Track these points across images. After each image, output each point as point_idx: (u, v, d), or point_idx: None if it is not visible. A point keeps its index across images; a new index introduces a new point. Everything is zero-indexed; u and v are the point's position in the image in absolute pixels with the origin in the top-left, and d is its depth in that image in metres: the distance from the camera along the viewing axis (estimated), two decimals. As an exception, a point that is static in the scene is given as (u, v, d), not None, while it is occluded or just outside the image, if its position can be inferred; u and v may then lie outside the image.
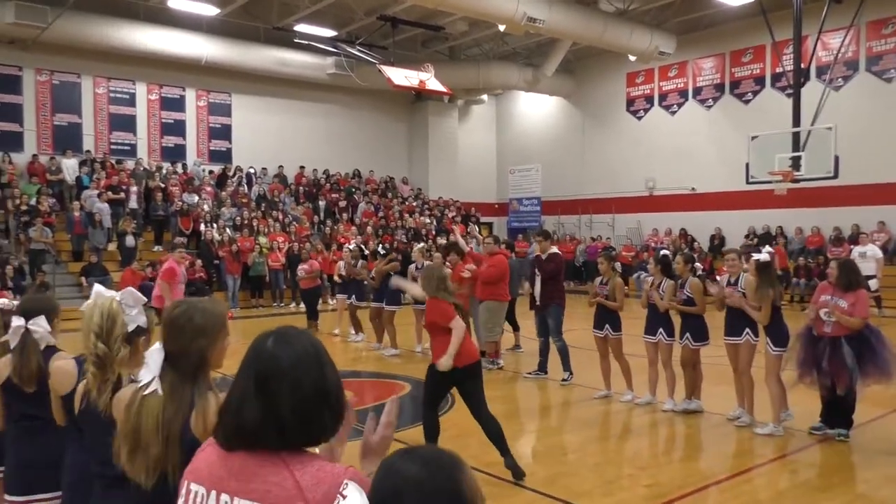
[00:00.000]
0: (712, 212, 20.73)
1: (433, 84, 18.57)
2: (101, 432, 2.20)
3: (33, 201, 16.64)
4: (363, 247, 12.26)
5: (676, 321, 7.16)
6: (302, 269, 13.26)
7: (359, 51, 19.64)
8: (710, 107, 21.59)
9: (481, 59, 23.67)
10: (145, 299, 2.54)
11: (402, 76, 17.95)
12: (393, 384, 8.70)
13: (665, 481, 5.22)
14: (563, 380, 8.47)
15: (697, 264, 7.20)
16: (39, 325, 2.86)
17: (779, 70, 18.88)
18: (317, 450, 1.56)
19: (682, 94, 22.28)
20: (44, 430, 2.82)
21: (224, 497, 1.47)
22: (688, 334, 6.91)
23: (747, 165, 15.81)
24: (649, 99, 23.16)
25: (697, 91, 21.88)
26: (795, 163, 14.91)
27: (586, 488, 5.09)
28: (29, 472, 2.92)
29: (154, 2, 17.78)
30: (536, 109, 26.50)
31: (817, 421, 6.24)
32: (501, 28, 18.34)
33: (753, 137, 16.02)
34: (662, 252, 7.94)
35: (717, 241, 20.37)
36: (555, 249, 8.99)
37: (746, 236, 19.77)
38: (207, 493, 1.49)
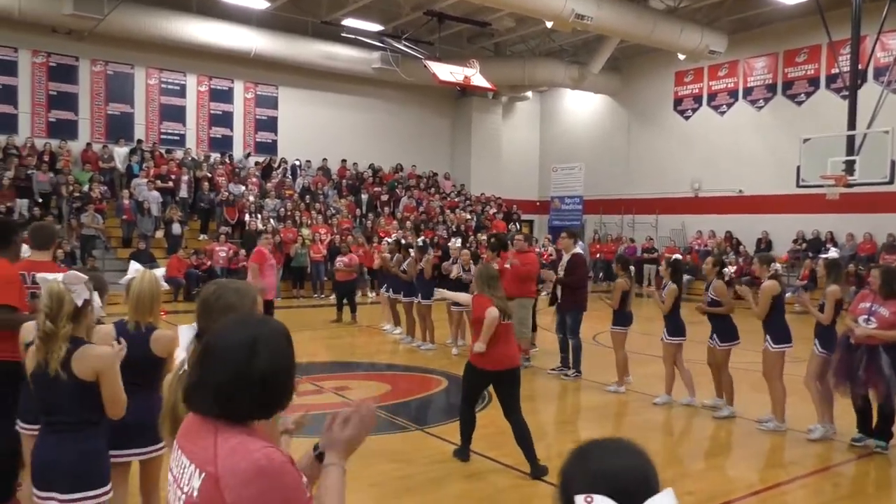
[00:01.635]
0: (760, 215, 20.26)
1: (478, 80, 18.55)
2: (47, 388, 2.84)
3: (86, 188, 17.13)
4: (402, 241, 12.24)
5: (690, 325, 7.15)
6: (341, 261, 13.30)
7: (405, 46, 19.69)
8: (760, 107, 21.09)
9: (527, 55, 23.52)
10: (86, 277, 2.92)
11: (447, 72, 17.97)
12: (429, 378, 8.73)
13: (706, 488, 5.12)
14: (566, 375, 8.75)
15: (728, 269, 7.33)
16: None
17: (834, 71, 18.34)
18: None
19: (732, 94, 21.80)
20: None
21: (178, 451, 1.64)
22: (714, 335, 7.00)
23: (798, 168, 15.40)
24: (698, 98, 22.72)
25: (748, 91, 21.39)
26: (849, 167, 14.44)
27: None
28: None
29: (206, -5, 18.11)
30: (581, 107, 26.24)
31: (856, 432, 6.09)
32: (548, 25, 18.18)
33: (805, 140, 15.59)
34: (675, 257, 8.11)
35: (764, 245, 19.91)
36: (578, 250, 9.10)
37: (795, 241, 19.30)
38: (177, 446, 1.66)
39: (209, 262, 16.76)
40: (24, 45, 18.16)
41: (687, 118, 23.01)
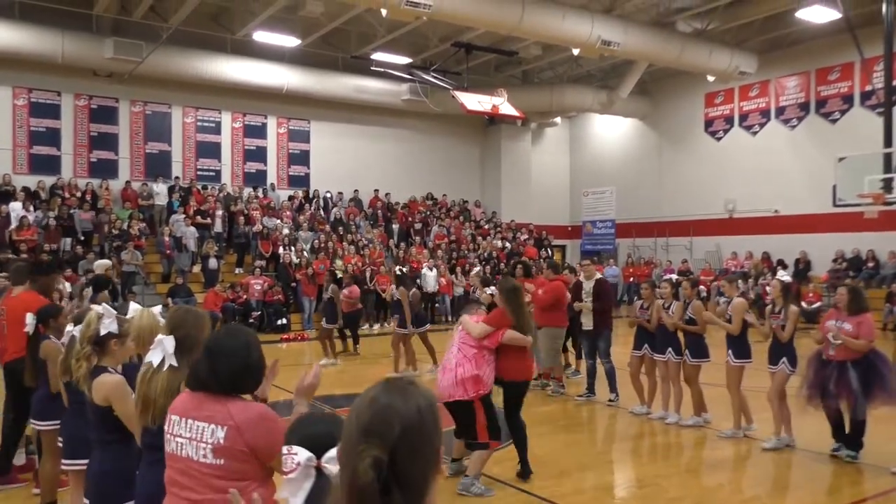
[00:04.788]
0: (797, 235, 19.90)
1: (506, 108, 18.64)
2: (85, 408, 3.34)
3: (125, 225, 17.56)
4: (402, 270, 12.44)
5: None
6: (343, 293, 12.77)
7: (433, 77, 19.94)
8: (794, 126, 20.83)
9: (555, 82, 23.63)
10: (114, 313, 3.42)
11: (475, 101, 18.10)
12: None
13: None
14: (610, 400, 8.72)
15: (701, 287, 7.92)
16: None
17: (868, 88, 18.09)
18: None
19: (764, 113, 21.59)
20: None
21: (187, 420, 2.34)
22: (687, 351, 7.51)
23: (834, 188, 15.15)
24: (729, 119, 22.55)
25: (780, 111, 21.17)
26: (887, 185, 14.17)
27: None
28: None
29: (240, 35, 18.61)
30: (611, 131, 26.21)
31: (833, 443, 6.38)
32: (575, 52, 18.30)
33: (841, 159, 15.36)
34: (675, 277, 8.58)
35: (803, 266, 19.54)
36: (600, 275, 9.25)
37: (835, 260, 18.91)
38: (179, 418, 2.37)
39: (245, 296, 16.96)
40: (66, 88, 18.83)
41: (718, 139, 22.83)
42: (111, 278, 11.06)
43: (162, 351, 2.79)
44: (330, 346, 12.45)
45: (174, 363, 2.78)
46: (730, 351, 7.01)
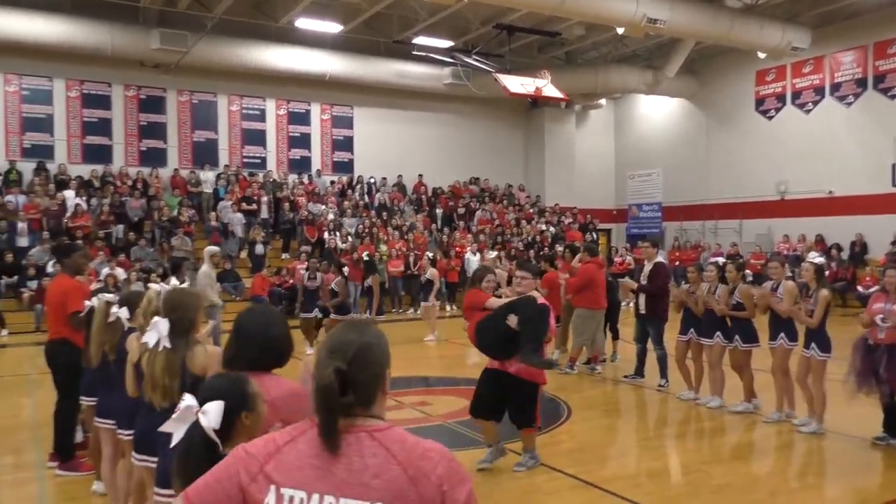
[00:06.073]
0: (853, 216, 19.21)
1: (549, 90, 18.43)
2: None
3: (175, 212, 17.98)
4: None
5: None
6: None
7: (475, 60, 19.79)
8: (850, 104, 20.05)
9: (599, 62, 23.21)
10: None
11: (517, 84, 17.94)
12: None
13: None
14: (660, 385, 8.62)
15: (748, 271, 7.64)
16: (123, 312, 4.14)
17: (931, 61, 17.29)
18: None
19: (819, 90, 20.84)
20: None
21: None
22: (738, 337, 7.31)
23: (893, 167, 14.57)
24: (781, 97, 21.84)
25: (836, 87, 20.40)
26: (951, 162, 13.57)
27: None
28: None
29: (283, 22, 18.76)
30: (657, 112, 25.66)
31: (880, 431, 6.15)
32: (620, 31, 17.91)
33: (901, 136, 14.75)
34: (721, 261, 8.26)
35: (859, 248, 18.88)
36: (660, 259, 8.99)
37: (893, 243, 18.21)
38: None
39: (291, 280, 17.21)
40: (116, 80, 19.30)
41: (770, 118, 22.14)
42: (216, 263, 11.12)
43: (157, 333, 2.99)
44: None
45: (167, 345, 2.98)
46: (781, 334, 6.80)
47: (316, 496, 1.48)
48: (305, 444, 1.53)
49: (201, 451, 1.82)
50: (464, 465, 1.56)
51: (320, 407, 1.51)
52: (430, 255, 16.48)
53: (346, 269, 12.05)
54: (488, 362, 5.58)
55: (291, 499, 1.49)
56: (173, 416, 1.92)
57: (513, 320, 5.14)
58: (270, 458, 1.53)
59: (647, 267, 8.82)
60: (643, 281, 8.77)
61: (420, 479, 1.48)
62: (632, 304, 9.92)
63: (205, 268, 10.33)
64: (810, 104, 21.07)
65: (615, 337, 10.72)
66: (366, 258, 11.81)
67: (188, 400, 1.92)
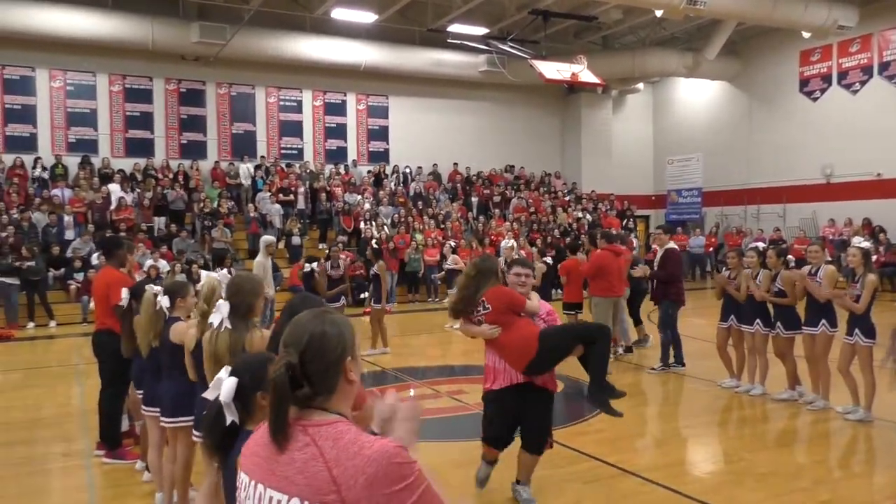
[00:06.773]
0: (902, 200, 18.63)
1: (586, 76, 18.17)
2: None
3: (215, 204, 18.26)
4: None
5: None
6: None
7: (510, 47, 19.62)
8: (899, 83, 19.39)
9: (636, 46, 22.82)
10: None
11: (553, 70, 17.73)
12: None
13: (846, 496, 4.77)
14: (652, 368, 8.83)
15: (790, 256, 7.45)
16: (164, 301, 4.39)
17: None
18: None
19: (866, 70, 20.17)
20: None
21: None
22: (779, 324, 7.18)
23: (946, 147, 14.06)
24: (826, 78, 21.20)
25: (884, 66, 19.71)
26: None
27: (754, 501, 4.76)
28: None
29: (318, 13, 18.85)
30: (697, 95, 25.15)
31: None
32: (658, 13, 17.57)
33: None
34: (762, 246, 8.03)
35: (909, 233, 18.29)
36: (672, 245, 9.03)
37: (945, 226, 17.61)
38: None
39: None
40: (157, 73, 19.64)
41: (815, 100, 21.52)
42: (272, 253, 11.04)
43: (220, 315, 3.33)
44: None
45: (228, 325, 3.32)
46: (823, 321, 6.70)
47: (253, 483, 1.56)
48: (263, 431, 1.57)
49: (216, 421, 2.01)
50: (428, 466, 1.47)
51: (272, 401, 1.52)
52: (453, 243, 16.86)
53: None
54: (492, 383, 4.53)
55: (243, 482, 1.61)
56: (210, 385, 2.09)
57: (579, 351, 4.38)
58: (250, 441, 1.64)
59: (659, 253, 9.01)
60: (655, 268, 8.98)
61: (345, 480, 1.40)
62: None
63: (260, 258, 10.40)
64: (857, 84, 20.42)
65: (636, 323, 10.73)
66: (374, 245, 11.53)
67: (222, 373, 2.07)
